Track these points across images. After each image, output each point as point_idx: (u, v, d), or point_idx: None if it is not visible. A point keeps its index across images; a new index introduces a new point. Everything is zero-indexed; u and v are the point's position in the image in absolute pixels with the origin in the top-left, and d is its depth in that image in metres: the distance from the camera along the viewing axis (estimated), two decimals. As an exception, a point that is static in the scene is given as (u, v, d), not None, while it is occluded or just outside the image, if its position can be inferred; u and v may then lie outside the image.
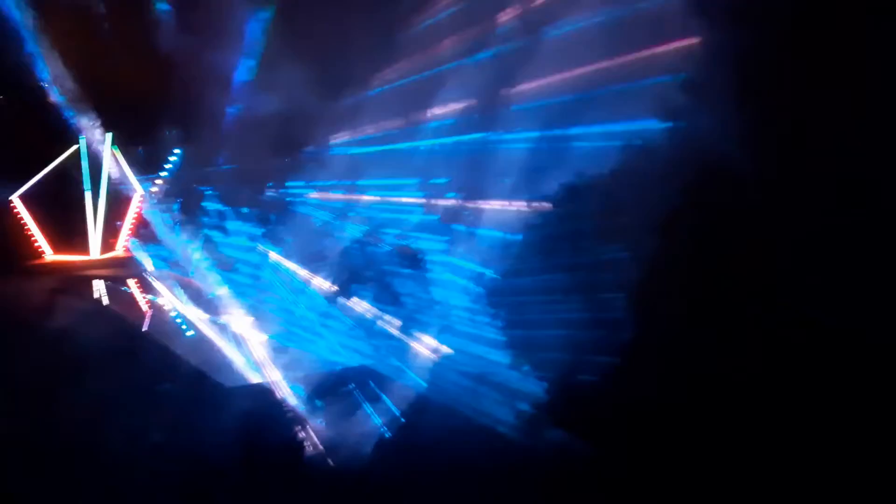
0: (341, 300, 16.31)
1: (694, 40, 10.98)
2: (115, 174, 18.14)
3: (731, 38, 10.24)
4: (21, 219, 17.66)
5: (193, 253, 17.85)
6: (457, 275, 14.36)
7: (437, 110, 14.72)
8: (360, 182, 16.25)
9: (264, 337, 16.52)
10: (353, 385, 14.74)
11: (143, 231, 18.49)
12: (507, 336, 13.13)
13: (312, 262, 16.72)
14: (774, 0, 9.92)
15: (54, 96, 16.99)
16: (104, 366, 14.23)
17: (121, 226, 18.36)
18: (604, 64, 12.02)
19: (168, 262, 18.23)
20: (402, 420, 13.72)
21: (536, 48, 12.87)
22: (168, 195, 18.50)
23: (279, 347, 16.29)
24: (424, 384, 14.23)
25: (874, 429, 9.34)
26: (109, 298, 18.20)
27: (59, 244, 18.13)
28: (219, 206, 18.09)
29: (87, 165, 17.97)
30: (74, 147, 17.86)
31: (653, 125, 11.18)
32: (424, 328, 14.87)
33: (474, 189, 14.05)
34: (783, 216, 9.95)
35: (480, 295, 13.59)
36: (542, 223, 12.59)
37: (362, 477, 12.76)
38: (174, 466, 12.10)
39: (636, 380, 10.49)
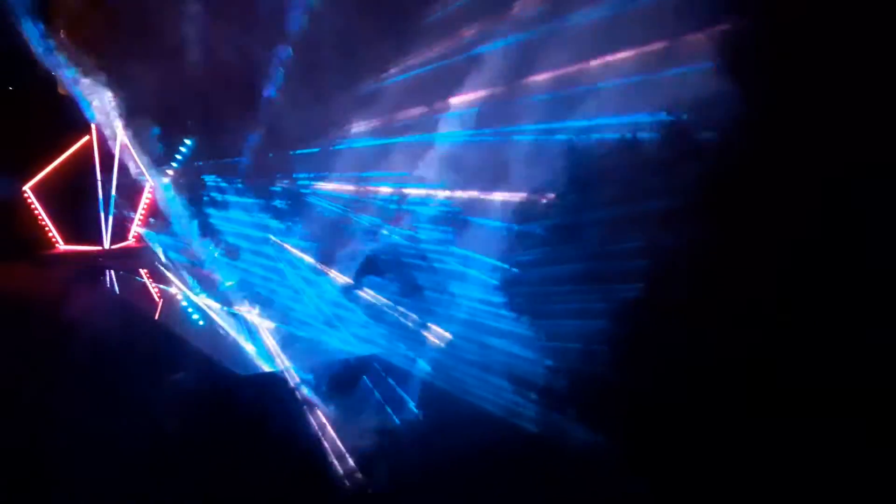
0: (353, 290, 16.34)
1: (707, 31, 10.94)
2: (127, 164, 18.19)
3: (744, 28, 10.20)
4: (34, 209, 17.71)
5: (204, 243, 17.93)
6: (470, 266, 14.35)
7: (451, 101, 14.67)
8: (374, 173, 16.24)
9: (276, 326, 16.58)
10: (365, 374, 14.77)
11: (155, 221, 18.56)
12: (521, 327, 13.12)
13: (324, 252, 16.76)
14: None
15: (66, 87, 17.07)
16: (116, 355, 14.30)
17: (132, 216, 18.42)
18: (620, 55, 11.97)
19: (179, 251, 18.30)
20: (414, 409, 13.76)
21: (551, 38, 12.80)
22: (179, 185, 18.56)
23: (290, 337, 16.36)
24: (436, 374, 14.25)
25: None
26: (121, 288, 18.30)
27: (71, 234, 18.20)
28: (230, 197, 18.15)
29: (98, 156, 18.04)
30: (86, 137, 17.91)
31: (668, 116, 11.14)
32: (437, 319, 14.88)
33: (488, 180, 14.00)
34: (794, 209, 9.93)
35: (494, 286, 13.57)
36: (555, 213, 12.56)
37: (372, 466, 12.83)
38: (186, 455, 12.14)
39: (650, 371, 10.46)
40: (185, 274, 18.03)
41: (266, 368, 15.96)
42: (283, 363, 15.82)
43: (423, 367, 14.49)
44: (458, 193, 14.56)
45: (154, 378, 14.28)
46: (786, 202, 9.74)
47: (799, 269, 9.73)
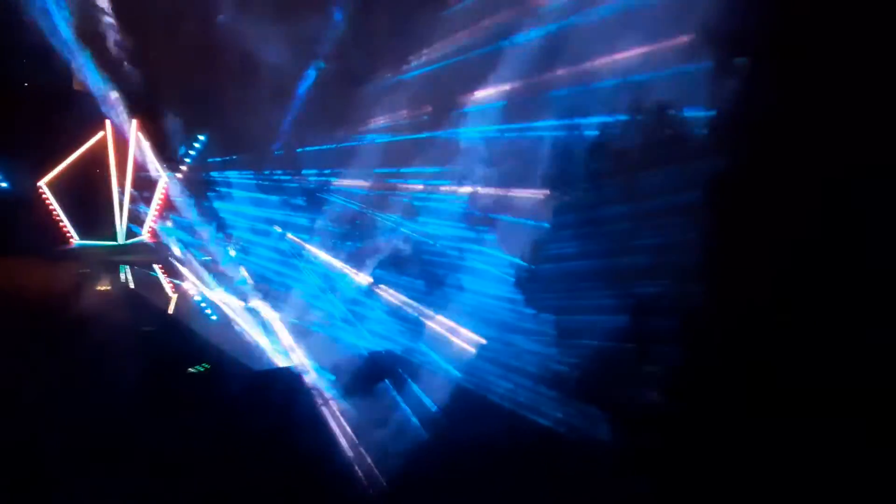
0: (370, 287, 16.38)
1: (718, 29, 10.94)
2: (141, 160, 18.22)
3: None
4: (49, 204, 17.76)
5: (219, 239, 17.99)
6: (488, 263, 14.38)
7: (468, 99, 14.67)
8: (392, 170, 16.25)
9: (291, 321, 16.64)
10: (380, 370, 14.83)
11: (169, 216, 18.60)
12: (538, 323, 13.16)
13: (341, 248, 16.78)
14: None
15: (81, 83, 17.10)
16: (131, 349, 14.32)
17: (147, 211, 18.46)
18: (633, 52, 11.97)
19: (193, 247, 18.36)
20: (429, 404, 13.81)
21: (568, 36, 12.79)
22: (193, 181, 18.61)
23: (306, 332, 16.42)
24: (452, 370, 14.29)
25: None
26: (136, 283, 18.35)
27: (86, 229, 18.24)
28: (244, 192, 18.19)
29: (113, 152, 18.06)
30: (101, 134, 17.94)
31: (685, 112, 11.16)
32: (453, 315, 14.91)
33: (507, 178, 14.01)
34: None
35: (512, 283, 13.61)
36: (573, 211, 12.59)
37: (387, 460, 12.90)
38: (203, 447, 12.20)
39: (669, 368, 10.50)
40: (200, 269, 18.09)
41: (281, 364, 16.05)
42: (298, 358, 15.89)
43: (439, 362, 14.53)
44: (481, 190, 14.55)
45: (170, 372, 14.36)
46: (788, 201, 9.77)
47: (799, 270, 9.76)
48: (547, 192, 13.04)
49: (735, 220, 10.15)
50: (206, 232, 18.20)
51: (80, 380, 13.43)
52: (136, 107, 17.77)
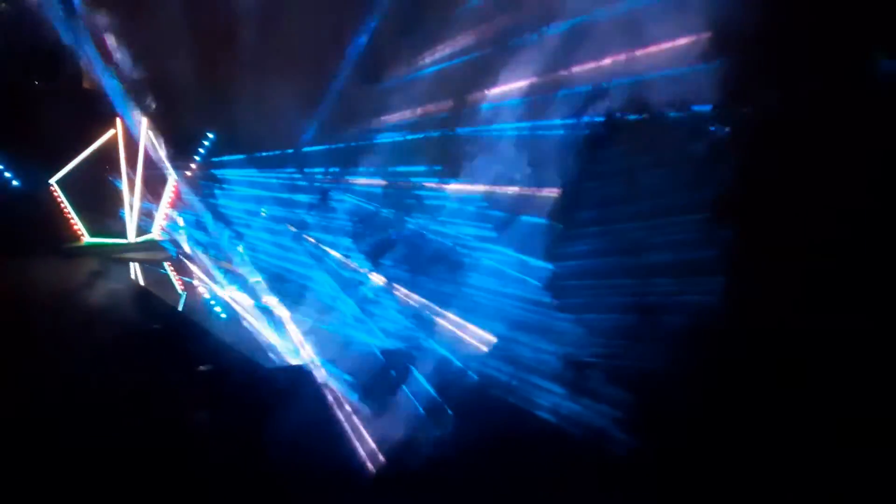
0: (383, 285, 16.39)
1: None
2: (151, 158, 18.27)
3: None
4: (60, 202, 17.82)
5: (228, 236, 18.03)
6: (502, 262, 14.37)
7: (483, 96, 14.63)
8: (405, 168, 16.25)
9: (303, 319, 16.67)
10: (393, 368, 14.83)
11: (179, 214, 18.65)
12: (551, 322, 13.15)
13: (354, 246, 16.80)
14: None
15: (91, 82, 17.14)
16: (141, 347, 14.36)
17: (157, 209, 18.52)
18: (650, 49, 11.94)
19: (203, 244, 18.40)
20: (442, 403, 13.81)
21: (587, 33, 12.75)
22: (203, 179, 18.66)
23: (318, 330, 16.44)
24: (465, 368, 14.28)
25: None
26: (146, 280, 18.41)
27: (96, 227, 18.31)
28: (257, 191, 18.22)
29: (123, 150, 18.11)
30: (111, 132, 17.98)
31: (698, 109, 11.14)
32: (466, 314, 14.90)
33: (523, 176, 13.99)
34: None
35: (526, 282, 13.60)
36: (587, 208, 12.59)
37: (401, 458, 12.91)
38: (212, 446, 12.21)
39: (694, 367, 10.47)
40: (210, 267, 18.14)
41: (292, 362, 16.07)
42: (309, 356, 15.91)
43: (452, 361, 14.52)
44: (496, 188, 14.52)
45: (180, 370, 14.36)
46: (812, 201, 9.76)
47: (824, 269, 9.74)
48: (563, 189, 13.03)
49: (757, 219, 10.14)
50: (215, 229, 18.24)
51: (89, 377, 13.41)
52: (147, 105, 17.83)
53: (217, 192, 18.65)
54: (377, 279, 16.59)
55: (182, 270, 18.60)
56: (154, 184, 18.49)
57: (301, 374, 15.18)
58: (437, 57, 15.13)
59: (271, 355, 16.37)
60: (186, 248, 18.54)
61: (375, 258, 16.63)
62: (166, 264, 18.68)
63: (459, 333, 14.94)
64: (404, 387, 14.36)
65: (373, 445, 13.36)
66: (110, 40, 16.75)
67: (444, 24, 14.66)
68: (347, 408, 14.23)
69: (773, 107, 10.11)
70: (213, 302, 18.06)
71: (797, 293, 9.97)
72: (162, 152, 18.29)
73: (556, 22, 13.15)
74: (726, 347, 10.20)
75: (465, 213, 15.34)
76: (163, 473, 11.55)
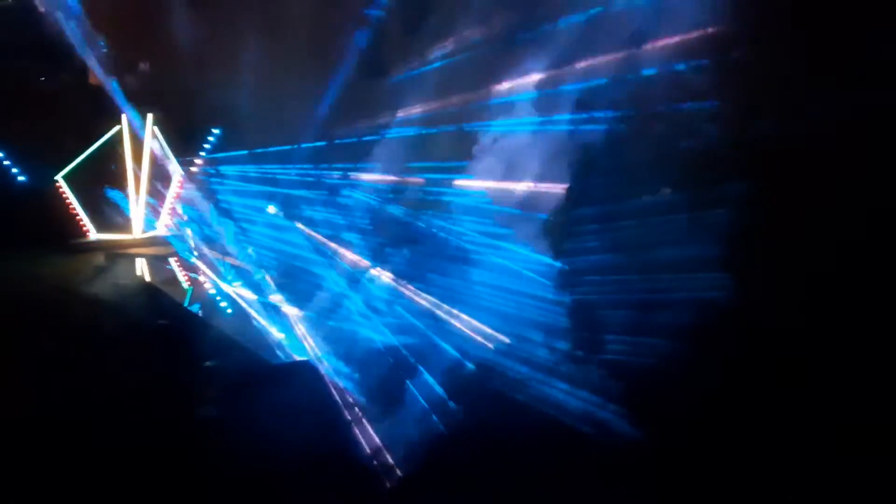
0: (388, 281, 16.40)
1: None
2: (156, 154, 18.29)
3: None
4: (66, 198, 17.87)
5: (233, 232, 18.07)
6: (509, 258, 14.34)
7: (488, 92, 14.59)
8: (413, 164, 16.23)
9: (308, 315, 16.71)
10: (398, 364, 14.86)
11: (184, 210, 18.69)
12: (557, 319, 13.15)
13: (360, 243, 16.81)
14: None
15: (97, 78, 17.16)
16: (147, 342, 14.39)
17: (162, 205, 18.56)
18: (659, 44, 11.88)
19: (209, 240, 18.45)
20: (447, 399, 13.83)
21: (595, 27, 12.69)
22: (208, 174, 18.70)
23: (323, 326, 16.48)
24: (470, 365, 14.30)
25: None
26: (151, 276, 18.46)
27: (102, 223, 18.36)
28: (262, 187, 18.25)
29: (129, 146, 18.14)
30: (117, 128, 18.01)
31: (706, 106, 11.10)
32: (472, 310, 14.91)
33: (527, 172, 13.93)
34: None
35: (534, 279, 13.59)
36: (594, 205, 12.56)
37: (405, 455, 12.95)
38: (218, 441, 12.26)
39: (698, 365, 10.45)
40: (216, 262, 18.19)
41: (298, 357, 16.12)
42: (314, 352, 15.95)
43: (457, 357, 14.54)
44: (504, 185, 14.46)
45: (186, 366, 14.40)
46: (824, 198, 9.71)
47: (834, 266, 9.70)
48: (570, 186, 12.99)
49: (763, 217, 10.12)
50: (221, 225, 18.29)
51: (95, 372, 13.43)
52: (152, 101, 17.85)
53: (223, 187, 18.68)
54: (383, 276, 16.60)
55: (187, 266, 18.65)
56: (159, 179, 18.52)
57: (306, 370, 15.22)
58: (444, 52, 15.10)
59: (277, 351, 16.43)
60: (192, 244, 18.58)
61: (381, 254, 16.64)
62: (172, 260, 18.73)
63: (465, 330, 14.95)
64: (409, 383, 14.39)
65: (377, 441, 13.41)
66: (115, 37, 16.77)
67: (452, 19, 14.61)
68: (351, 403, 14.28)
69: (780, 105, 10.06)
70: (218, 297, 18.11)
71: (803, 292, 9.95)
72: (167, 148, 18.31)
73: (565, 17, 13.08)
74: (731, 346, 10.19)
75: (472, 210, 15.32)
76: (168, 469, 11.55)
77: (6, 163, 17.43)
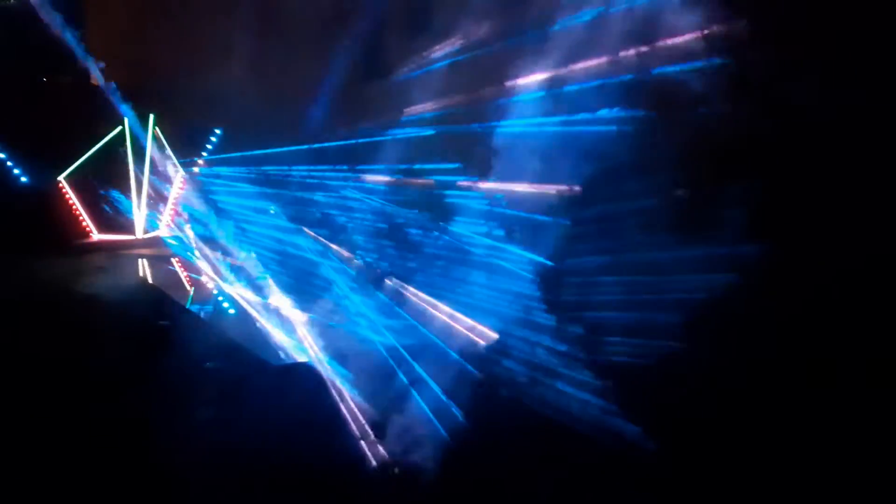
0: (389, 283, 16.39)
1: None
2: (158, 155, 18.31)
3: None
4: (69, 199, 17.90)
5: (235, 233, 18.09)
6: (509, 260, 14.32)
7: (488, 93, 14.55)
8: (410, 166, 16.22)
9: (309, 316, 16.70)
10: (399, 367, 14.84)
11: (186, 211, 18.71)
12: (559, 321, 13.12)
13: (360, 243, 16.81)
14: None
15: (99, 78, 17.18)
16: (149, 343, 14.39)
17: (164, 206, 18.58)
18: (664, 44, 11.82)
19: (211, 241, 18.47)
20: (446, 401, 13.82)
21: (600, 28, 12.63)
22: (210, 175, 18.71)
23: (324, 327, 16.47)
24: (470, 367, 14.28)
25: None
26: (153, 277, 18.47)
27: (104, 224, 18.39)
28: (264, 188, 18.25)
29: (130, 146, 18.17)
30: (119, 128, 18.04)
31: (706, 108, 11.05)
32: (472, 312, 14.89)
33: (530, 173, 13.88)
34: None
35: (534, 280, 13.57)
36: (592, 206, 12.52)
37: (405, 455, 12.94)
38: (220, 442, 12.24)
39: (700, 366, 10.40)
40: (218, 263, 18.20)
41: (298, 359, 16.11)
42: (315, 354, 15.94)
43: (457, 359, 14.52)
44: (504, 186, 14.42)
45: (187, 367, 14.39)
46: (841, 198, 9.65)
47: (852, 265, 9.64)
48: (572, 188, 12.95)
49: (772, 217, 10.08)
50: (223, 226, 18.30)
51: (97, 373, 13.45)
52: (154, 102, 17.87)
53: (224, 188, 18.69)
54: (385, 277, 16.59)
55: (190, 267, 18.66)
56: (161, 180, 18.54)
57: (307, 372, 15.22)
58: (446, 52, 15.07)
59: (278, 352, 16.42)
60: (194, 245, 18.59)
61: (383, 256, 16.64)
62: (174, 261, 18.74)
63: (467, 332, 14.93)
64: (410, 386, 14.38)
65: (378, 443, 13.41)
66: (116, 37, 16.79)
67: (455, 19, 14.59)
68: (351, 405, 14.27)
69: (790, 102, 10.00)
70: (220, 298, 18.12)
71: (809, 293, 9.91)
72: (169, 149, 18.33)
73: (569, 16, 13.03)
74: (732, 346, 10.15)
75: (474, 211, 15.29)
76: (168, 469, 11.59)
77: (8, 163, 17.44)
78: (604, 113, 12.64)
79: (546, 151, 13.59)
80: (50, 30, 16.13)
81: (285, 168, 18.24)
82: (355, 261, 17.07)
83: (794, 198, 10.19)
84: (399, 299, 16.23)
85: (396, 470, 12.99)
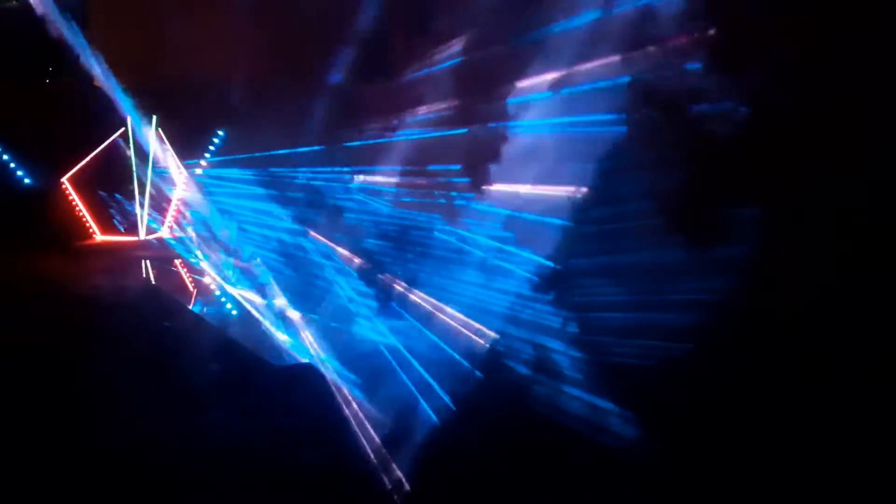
0: (391, 284, 16.43)
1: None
2: (161, 156, 18.37)
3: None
4: (72, 200, 17.96)
5: (238, 235, 18.14)
6: (512, 261, 14.34)
7: (488, 96, 14.58)
8: (417, 168, 16.26)
9: (311, 318, 16.73)
10: (400, 367, 14.87)
11: (189, 212, 18.77)
12: (559, 322, 13.13)
13: (363, 246, 16.84)
14: None
15: (103, 79, 17.25)
16: (152, 344, 14.44)
17: (167, 207, 18.64)
18: (666, 45, 11.84)
19: (213, 242, 18.51)
20: (448, 401, 13.84)
21: (600, 29, 12.66)
22: (212, 177, 18.77)
23: (326, 328, 16.50)
24: (472, 367, 14.30)
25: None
26: (157, 278, 18.53)
27: (108, 225, 18.45)
28: (266, 190, 18.30)
29: (133, 148, 18.23)
30: (122, 130, 18.10)
31: (705, 109, 11.07)
32: (475, 313, 14.90)
33: (536, 175, 13.89)
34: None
35: (536, 281, 13.58)
36: (595, 207, 12.54)
37: (406, 456, 12.95)
38: (223, 443, 12.27)
39: (699, 367, 10.42)
40: (220, 264, 18.25)
41: (300, 359, 16.14)
42: (317, 354, 15.97)
43: (459, 360, 14.54)
44: (508, 187, 14.43)
45: (190, 367, 14.43)
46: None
47: (848, 266, 9.64)
48: (576, 189, 12.97)
49: (776, 216, 10.09)
50: (225, 228, 18.34)
51: (100, 374, 13.46)
52: (157, 103, 17.93)
53: (227, 190, 18.73)
54: (388, 279, 16.62)
55: (193, 268, 18.71)
56: (164, 182, 18.60)
57: (309, 373, 15.24)
58: (450, 53, 15.11)
59: (281, 353, 16.46)
60: (196, 246, 18.64)
61: (387, 258, 16.66)
62: (177, 262, 18.79)
63: (469, 333, 14.94)
64: (412, 386, 14.40)
65: (379, 444, 13.43)
66: (120, 39, 16.85)
67: (460, 21, 14.61)
68: (354, 406, 14.30)
69: (792, 99, 10.03)
70: (223, 299, 18.16)
71: (812, 293, 9.92)
72: (172, 151, 18.39)
73: (573, 17, 13.06)
74: (732, 347, 10.17)
75: (478, 213, 15.31)
76: (170, 470, 11.60)
77: (12, 165, 17.52)
78: (606, 115, 12.66)
79: (550, 153, 13.63)
80: (54, 31, 16.22)
81: (288, 169, 18.28)
82: (357, 262, 17.09)
83: (793, 198, 10.19)
84: (401, 300, 16.26)
85: (396, 470, 13.00)
